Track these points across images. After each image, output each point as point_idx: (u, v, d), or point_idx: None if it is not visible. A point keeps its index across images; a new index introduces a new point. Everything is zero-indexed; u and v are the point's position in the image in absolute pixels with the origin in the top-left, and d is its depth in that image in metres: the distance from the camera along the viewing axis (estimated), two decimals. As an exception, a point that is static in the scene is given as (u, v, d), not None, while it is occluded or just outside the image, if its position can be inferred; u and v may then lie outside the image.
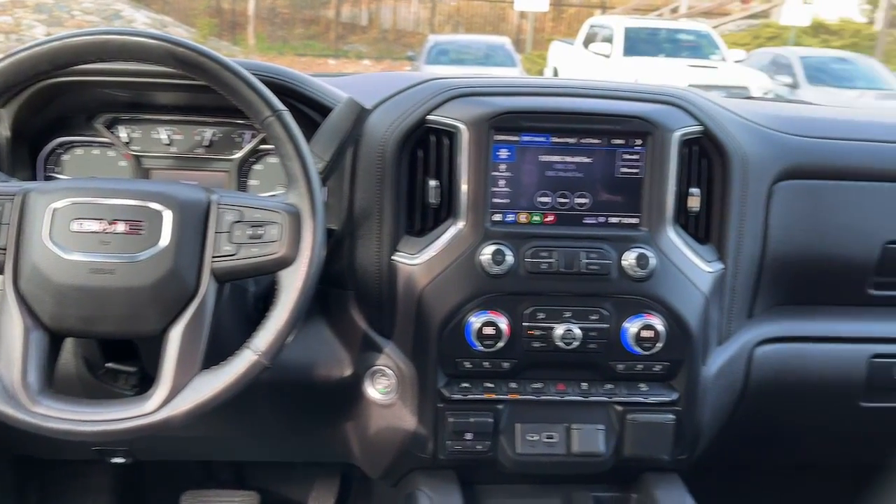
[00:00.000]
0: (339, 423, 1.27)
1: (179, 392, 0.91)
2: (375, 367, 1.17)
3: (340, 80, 1.31)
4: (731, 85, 10.05)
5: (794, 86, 10.90)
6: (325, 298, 1.19)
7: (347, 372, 1.19)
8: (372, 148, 1.12)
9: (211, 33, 16.79)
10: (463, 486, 1.20)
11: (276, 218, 0.94)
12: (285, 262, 0.94)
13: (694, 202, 1.16)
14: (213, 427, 1.25)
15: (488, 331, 1.09)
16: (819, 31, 18.58)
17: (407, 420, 1.16)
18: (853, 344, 1.28)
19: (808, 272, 1.24)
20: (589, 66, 11.92)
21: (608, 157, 1.13)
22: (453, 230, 1.11)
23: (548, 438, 1.15)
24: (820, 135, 1.26)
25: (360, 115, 1.07)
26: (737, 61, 11.79)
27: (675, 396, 1.16)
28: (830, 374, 1.27)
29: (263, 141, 1.21)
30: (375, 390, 1.18)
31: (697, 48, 11.80)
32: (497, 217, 1.12)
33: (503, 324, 1.10)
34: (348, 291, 1.18)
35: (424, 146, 1.13)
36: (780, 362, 1.25)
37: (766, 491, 1.84)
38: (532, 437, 1.15)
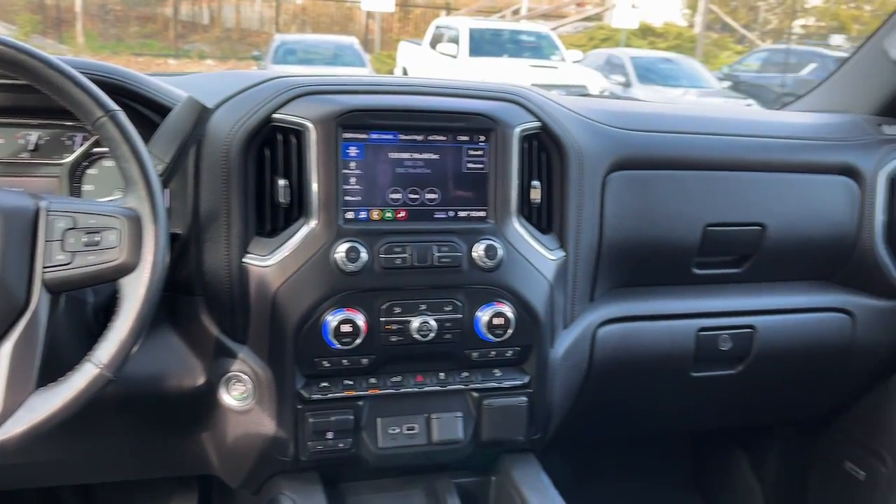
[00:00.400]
0: (194, 435, 1.22)
1: (12, 414, 0.84)
2: (230, 374, 1.14)
3: (180, 79, 1.26)
4: (571, 84, 10.58)
5: (627, 84, 11.65)
6: (172, 305, 1.14)
7: (200, 380, 1.15)
8: (216, 148, 1.09)
9: (34, 31, 15.52)
10: (326, 487, 1.20)
11: (113, 223, 0.89)
12: (126, 269, 0.89)
13: (536, 194, 1.21)
14: (54, 449, 1.17)
15: (346, 328, 1.10)
16: (647, 34, 19.94)
17: (266, 425, 1.14)
18: (683, 320, 1.39)
19: (640, 256, 1.33)
20: (437, 65, 12.15)
21: (455, 153, 1.17)
22: (306, 229, 1.11)
23: (409, 430, 1.18)
24: (647, 128, 1.35)
25: (202, 114, 1.03)
26: (575, 62, 12.43)
27: (526, 379, 1.22)
28: (664, 348, 1.38)
29: (97, 143, 1.15)
30: (231, 397, 1.15)
31: (538, 49, 12.33)
32: (349, 215, 1.12)
33: (360, 320, 1.10)
34: (197, 297, 1.14)
35: (271, 145, 1.12)
36: (619, 341, 1.34)
37: (614, 463, 1.97)
38: (393, 430, 1.17)
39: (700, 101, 10.52)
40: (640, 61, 12.28)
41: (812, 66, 12.02)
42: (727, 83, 12.83)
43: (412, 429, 1.18)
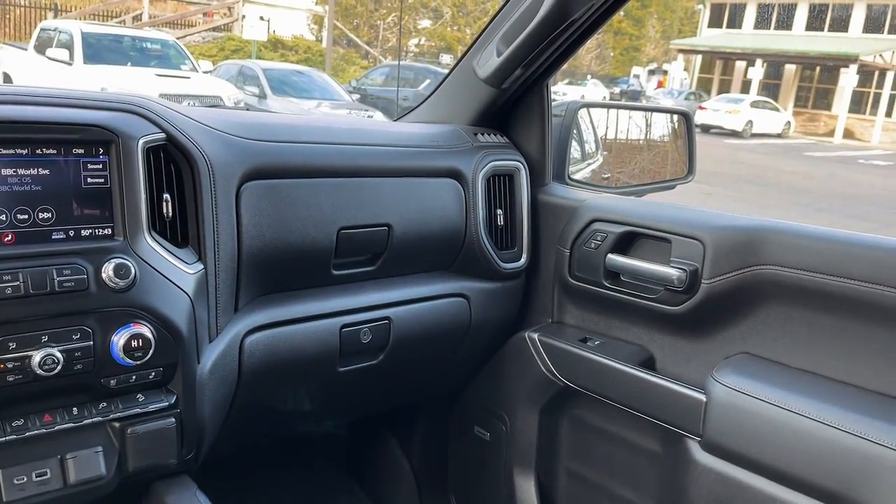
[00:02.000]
0: None
1: None
2: None
3: None
4: (204, 94, 10.29)
5: (261, 96, 11.71)
6: None
7: None
8: None
9: None
10: None
11: None
12: None
13: (167, 208, 1.18)
14: None
15: None
16: (277, 46, 20.26)
17: None
18: (326, 319, 1.46)
19: (281, 262, 1.36)
20: (48, 73, 10.85)
21: (71, 167, 1.08)
22: None
23: (39, 477, 1.05)
24: (278, 139, 1.39)
25: None
26: (205, 72, 12.09)
27: (173, 399, 1.17)
28: (312, 349, 1.43)
29: None
30: None
31: (166, 58, 11.73)
32: None
33: None
34: None
35: None
36: (268, 347, 1.36)
37: (275, 468, 1.99)
38: (20, 479, 1.04)
39: (334, 112, 11.03)
40: (273, 73, 12.44)
41: (427, 81, 13.40)
42: (357, 96, 13.66)
43: (43, 474, 1.06)
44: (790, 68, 32.61)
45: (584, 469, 1.75)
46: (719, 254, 1.41)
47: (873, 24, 29.58)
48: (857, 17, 30.19)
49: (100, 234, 1.10)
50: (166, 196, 1.18)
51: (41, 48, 11.46)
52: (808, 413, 1.23)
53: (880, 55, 28.68)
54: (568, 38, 1.60)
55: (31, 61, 11.77)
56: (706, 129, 24.90)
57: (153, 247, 1.14)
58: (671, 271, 1.46)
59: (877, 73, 29.93)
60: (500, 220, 1.70)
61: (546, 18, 1.50)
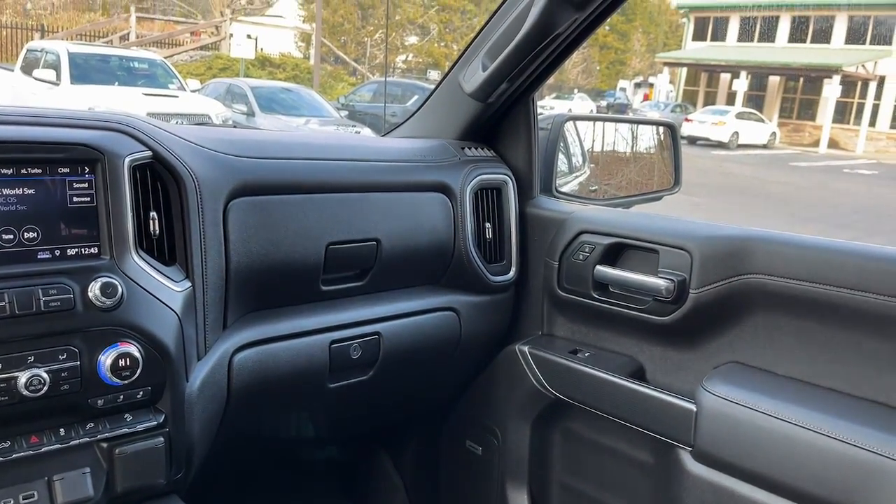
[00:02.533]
0: None
1: None
2: None
3: None
4: (192, 113, 10.29)
5: (250, 114, 11.73)
6: None
7: None
8: None
9: None
10: None
11: None
12: None
13: (154, 226, 1.18)
14: None
15: None
16: (265, 64, 20.32)
17: None
18: (315, 335, 1.45)
19: (270, 279, 1.36)
20: (35, 94, 10.82)
21: (57, 187, 1.07)
22: None
23: (26, 499, 1.04)
24: (264, 156, 1.39)
25: None
26: (193, 91, 12.09)
27: (161, 419, 1.16)
28: (301, 365, 1.43)
29: None
30: None
31: (153, 77, 11.72)
32: None
33: None
34: None
35: None
36: (256, 364, 1.35)
37: (266, 489, 1.97)
38: (6, 502, 1.03)
39: (323, 129, 11.05)
40: (261, 91, 12.48)
41: (415, 97, 13.45)
42: (345, 112, 13.70)
43: (30, 496, 1.05)
44: (774, 80, 32.95)
45: (577, 481, 1.74)
46: (707, 263, 1.42)
47: (855, 35, 29.95)
48: (839, 29, 30.58)
49: (86, 253, 1.10)
50: (153, 214, 1.17)
51: (28, 69, 11.43)
52: (798, 421, 1.23)
53: (863, 66, 29.02)
54: (553, 52, 1.61)
55: (17, 82, 11.74)
56: (693, 140, 25.08)
57: (140, 265, 1.14)
58: (659, 282, 1.47)
59: (859, 84, 30.26)
60: (489, 234, 1.70)
61: (530, 33, 1.51)
